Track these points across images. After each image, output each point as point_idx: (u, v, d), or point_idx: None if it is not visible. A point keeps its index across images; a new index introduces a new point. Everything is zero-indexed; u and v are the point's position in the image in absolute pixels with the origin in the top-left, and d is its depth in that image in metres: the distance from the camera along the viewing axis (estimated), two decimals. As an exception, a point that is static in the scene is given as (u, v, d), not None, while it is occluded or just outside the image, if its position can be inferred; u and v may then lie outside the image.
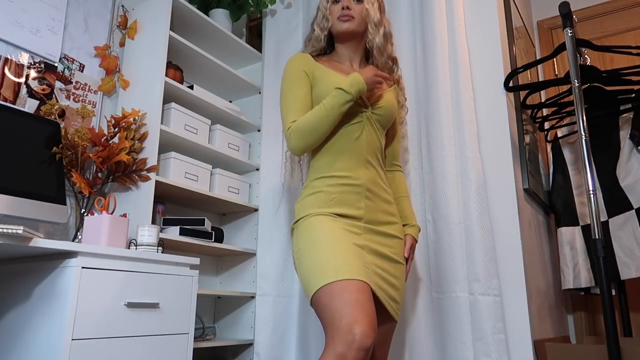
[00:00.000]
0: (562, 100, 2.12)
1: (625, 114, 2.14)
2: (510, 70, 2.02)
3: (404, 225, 1.61)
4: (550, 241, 2.40)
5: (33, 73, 1.90)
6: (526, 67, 2.02)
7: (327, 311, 1.23)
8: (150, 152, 1.94)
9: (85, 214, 1.84)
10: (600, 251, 1.49)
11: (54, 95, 1.96)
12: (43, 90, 1.93)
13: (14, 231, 1.20)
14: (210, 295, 2.20)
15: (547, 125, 2.38)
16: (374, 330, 1.19)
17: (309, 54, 1.67)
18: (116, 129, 1.91)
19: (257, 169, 2.46)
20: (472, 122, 1.90)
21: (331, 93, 1.48)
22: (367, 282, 1.29)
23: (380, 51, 1.66)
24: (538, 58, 2.43)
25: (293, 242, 1.47)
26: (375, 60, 1.68)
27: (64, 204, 1.68)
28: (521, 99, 2.11)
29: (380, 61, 1.67)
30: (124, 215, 1.69)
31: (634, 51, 1.88)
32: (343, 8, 1.64)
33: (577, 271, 2.15)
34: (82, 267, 1.36)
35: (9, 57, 1.84)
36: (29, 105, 1.87)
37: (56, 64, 1.99)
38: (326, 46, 1.70)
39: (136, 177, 1.92)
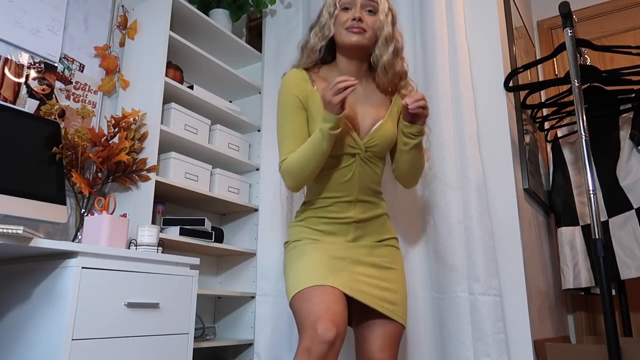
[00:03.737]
0: (562, 100, 2.12)
1: (625, 114, 2.14)
2: (510, 70, 2.02)
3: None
4: (550, 241, 2.40)
5: (33, 73, 1.90)
6: (526, 67, 2.02)
7: (298, 314, 1.35)
8: (150, 152, 1.94)
9: (85, 214, 1.84)
10: (600, 251, 1.49)
11: (54, 95, 1.96)
12: (43, 90, 1.93)
13: (14, 231, 1.20)
14: (210, 295, 2.20)
15: (547, 125, 2.38)
16: (335, 325, 1.26)
17: (305, 67, 1.56)
18: (116, 129, 1.91)
19: (257, 169, 2.46)
20: (472, 122, 1.90)
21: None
22: (336, 287, 1.37)
23: (385, 70, 1.53)
24: (538, 58, 2.43)
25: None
26: (377, 78, 1.56)
27: (64, 204, 1.68)
28: (521, 99, 2.11)
29: (384, 80, 1.55)
30: (124, 216, 1.69)
31: (634, 51, 1.88)
32: (354, 19, 1.48)
33: (577, 271, 2.15)
34: (82, 267, 1.36)
35: (9, 57, 1.84)
36: (29, 105, 1.87)
37: (56, 64, 1.99)
38: (325, 55, 1.57)
39: (136, 177, 1.92)
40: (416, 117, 1.48)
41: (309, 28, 1.60)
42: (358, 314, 1.49)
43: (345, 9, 1.52)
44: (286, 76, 1.56)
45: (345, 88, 1.34)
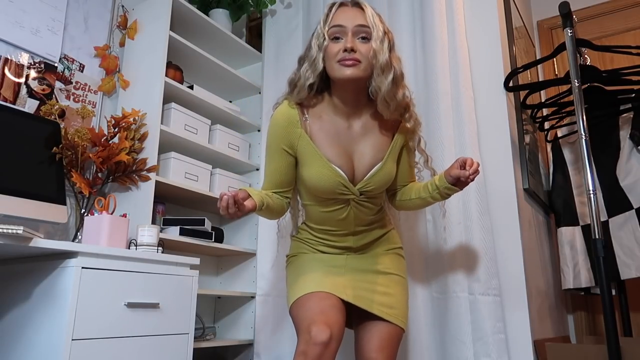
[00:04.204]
0: (562, 100, 2.12)
1: (625, 114, 2.14)
2: (510, 70, 2.02)
3: (431, 185, 1.50)
4: (550, 241, 2.40)
5: (33, 73, 1.90)
6: (526, 67, 2.02)
7: (296, 321, 1.37)
8: (150, 152, 1.94)
9: (85, 214, 1.84)
10: (601, 251, 1.49)
11: (54, 95, 1.96)
12: (43, 90, 1.93)
13: (14, 231, 1.20)
14: (210, 295, 2.20)
15: (547, 125, 2.38)
16: (328, 327, 1.27)
17: (296, 103, 1.44)
18: (116, 129, 1.91)
19: (257, 169, 2.46)
20: (472, 122, 1.90)
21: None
22: (331, 292, 1.39)
23: (385, 102, 1.38)
24: (538, 58, 2.43)
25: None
26: (380, 111, 1.42)
27: (64, 204, 1.68)
28: (521, 99, 2.11)
29: (386, 113, 1.41)
30: (124, 216, 1.69)
31: (634, 51, 1.88)
32: (346, 50, 1.33)
33: (577, 271, 2.15)
34: (82, 267, 1.36)
35: (9, 57, 1.84)
36: (29, 106, 1.87)
37: (56, 64, 1.99)
38: (321, 85, 1.42)
39: (136, 177, 1.92)
40: (460, 183, 1.42)
41: (298, 60, 1.45)
42: (357, 317, 1.49)
43: (336, 38, 1.36)
44: (277, 114, 1.45)
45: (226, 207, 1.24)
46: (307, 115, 1.44)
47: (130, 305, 1.47)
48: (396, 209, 1.67)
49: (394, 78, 1.37)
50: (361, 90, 1.42)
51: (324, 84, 1.44)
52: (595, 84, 2.05)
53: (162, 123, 1.99)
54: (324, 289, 1.39)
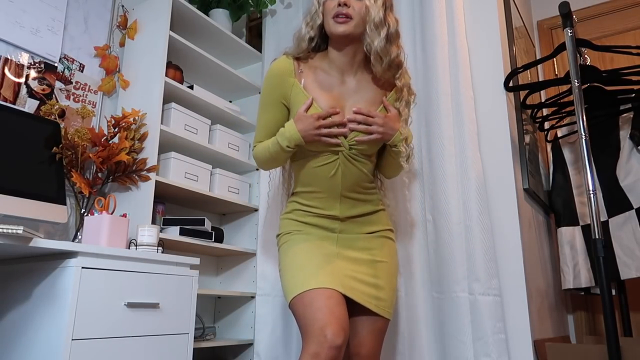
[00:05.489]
0: (562, 100, 2.12)
1: (625, 114, 2.14)
2: (510, 70, 2.02)
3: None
4: (550, 241, 2.40)
5: (33, 73, 1.90)
6: (526, 67, 2.02)
7: (302, 319, 1.35)
8: (150, 152, 1.94)
9: (85, 214, 1.84)
10: (601, 251, 1.49)
11: (54, 95, 1.96)
12: (43, 90, 1.93)
13: (14, 231, 1.20)
14: (210, 295, 2.20)
15: (547, 125, 2.38)
16: (344, 330, 1.29)
17: (295, 56, 1.52)
18: (116, 129, 1.91)
19: (257, 169, 2.46)
20: (472, 122, 1.90)
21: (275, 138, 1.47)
22: (334, 288, 1.38)
23: (379, 58, 1.44)
24: (538, 58, 2.43)
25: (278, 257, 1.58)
26: (373, 68, 1.49)
27: (64, 204, 1.68)
28: (521, 99, 2.11)
29: (380, 69, 1.48)
30: (124, 216, 1.69)
31: (634, 51, 1.88)
32: (340, 5, 1.42)
33: (577, 271, 2.15)
34: (82, 267, 1.36)
35: (9, 57, 1.84)
36: (29, 105, 1.87)
37: (56, 64, 1.99)
38: (320, 43, 1.53)
39: (136, 177, 1.92)
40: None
41: (304, 17, 1.57)
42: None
43: None
44: (273, 65, 1.53)
45: (330, 136, 1.41)
46: (302, 68, 1.51)
47: (130, 305, 1.47)
48: (385, 176, 1.69)
49: (388, 35, 1.43)
50: (357, 48, 1.49)
51: (323, 42, 1.53)
52: (595, 84, 2.05)
53: (162, 123, 1.99)
54: (325, 285, 1.38)
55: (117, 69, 2.19)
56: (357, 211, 1.52)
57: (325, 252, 1.47)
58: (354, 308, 1.46)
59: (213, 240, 2.13)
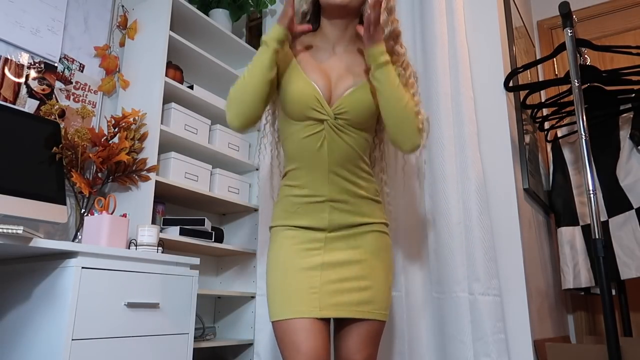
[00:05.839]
0: (562, 100, 2.12)
1: (625, 114, 2.14)
2: (510, 70, 2.02)
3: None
4: (550, 241, 2.40)
5: (33, 73, 1.90)
6: (526, 67, 2.02)
7: (283, 345, 1.34)
8: (150, 152, 1.94)
9: (85, 214, 1.84)
10: (600, 251, 1.49)
11: (54, 95, 1.96)
12: (43, 90, 1.93)
13: (14, 231, 1.20)
14: (210, 295, 2.20)
15: (547, 125, 2.38)
16: None
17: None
18: (116, 129, 1.91)
19: (257, 169, 2.46)
20: (472, 122, 1.90)
21: None
22: (311, 317, 1.33)
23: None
24: (538, 58, 2.43)
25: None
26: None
27: (64, 204, 1.68)
28: (521, 99, 2.11)
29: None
30: (124, 216, 1.69)
31: (634, 51, 1.88)
32: None
33: (577, 271, 2.15)
34: (82, 267, 1.36)
35: (9, 57, 1.84)
36: (29, 105, 1.87)
37: (56, 64, 1.99)
38: (313, 19, 1.48)
39: (136, 177, 1.92)
40: (368, 34, 1.34)
41: None
42: (334, 320, 1.45)
43: None
44: (268, 31, 1.47)
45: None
46: (295, 44, 1.48)
47: (130, 305, 1.47)
48: (393, 141, 1.44)
49: (388, 6, 1.41)
50: (350, 22, 1.45)
51: (316, 20, 1.49)
52: (595, 84, 2.05)
53: (162, 123, 1.99)
54: (302, 315, 1.32)
55: (117, 69, 2.19)
56: (347, 195, 1.41)
57: (308, 266, 1.38)
58: (344, 319, 1.41)
59: (213, 240, 2.13)
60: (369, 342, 1.40)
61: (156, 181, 1.91)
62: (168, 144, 2.10)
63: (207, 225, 2.12)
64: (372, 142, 1.53)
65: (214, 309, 2.42)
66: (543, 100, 2.30)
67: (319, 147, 1.39)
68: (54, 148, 1.71)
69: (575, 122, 1.99)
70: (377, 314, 1.40)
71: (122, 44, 2.24)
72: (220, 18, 2.45)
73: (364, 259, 1.41)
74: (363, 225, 1.44)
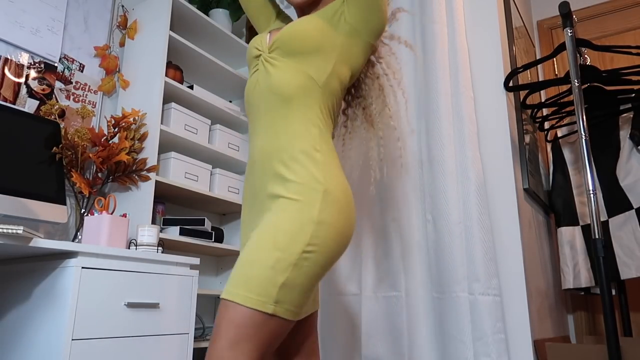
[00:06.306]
0: (562, 100, 2.12)
1: (625, 114, 2.14)
2: (510, 70, 2.02)
3: None
4: (550, 241, 2.40)
5: (33, 73, 1.90)
6: (526, 67, 2.02)
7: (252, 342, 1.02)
8: (150, 152, 1.94)
9: (85, 214, 1.84)
10: (601, 251, 1.49)
11: (54, 95, 1.96)
12: (43, 90, 1.93)
13: (14, 231, 1.20)
14: (210, 295, 2.20)
15: (547, 125, 2.38)
16: None
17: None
18: (116, 129, 1.91)
19: (257, 169, 2.46)
20: (472, 122, 1.90)
21: None
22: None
23: None
24: (538, 58, 2.43)
25: None
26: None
27: (64, 204, 1.68)
28: (521, 99, 2.11)
29: None
30: (124, 215, 1.69)
31: (634, 51, 1.88)
32: None
33: (577, 271, 2.15)
34: (82, 267, 1.36)
35: (9, 57, 1.84)
36: (29, 105, 1.87)
37: (56, 64, 1.99)
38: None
39: (136, 177, 1.92)
40: None
41: None
42: None
43: None
44: None
45: None
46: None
47: (130, 305, 1.47)
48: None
49: None
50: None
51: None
52: (595, 84, 2.05)
53: (162, 123, 1.99)
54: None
55: (117, 69, 2.19)
56: (270, 146, 1.17)
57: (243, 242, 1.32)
58: None
59: (213, 240, 2.13)
60: (216, 329, 1.01)
61: (156, 181, 1.91)
62: (168, 144, 2.10)
63: (207, 225, 2.12)
64: (313, 82, 1.21)
65: (214, 309, 2.42)
66: (543, 100, 2.30)
67: (255, 85, 1.25)
68: (54, 148, 1.71)
69: (575, 122, 2.00)
70: (226, 292, 1.03)
71: (122, 44, 2.24)
72: (220, 18, 2.45)
73: (251, 234, 1.17)
74: (274, 196, 1.15)
